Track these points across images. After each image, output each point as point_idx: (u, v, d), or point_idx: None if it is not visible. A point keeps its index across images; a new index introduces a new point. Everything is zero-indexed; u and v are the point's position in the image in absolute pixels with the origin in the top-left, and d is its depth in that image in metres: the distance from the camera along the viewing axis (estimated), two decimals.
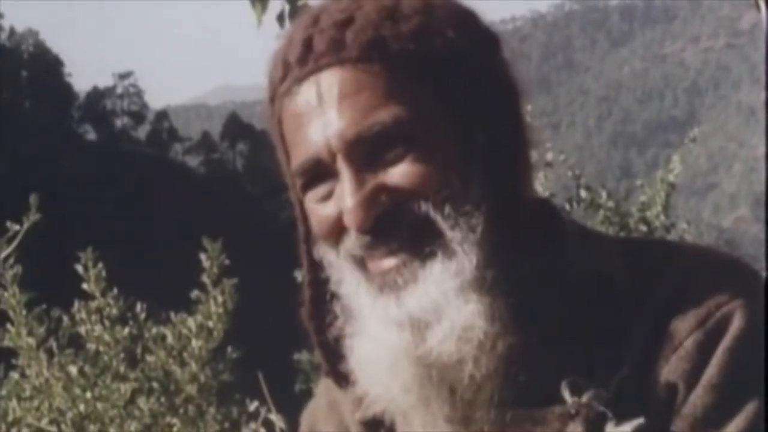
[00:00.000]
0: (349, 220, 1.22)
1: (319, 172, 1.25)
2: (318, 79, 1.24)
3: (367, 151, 1.22)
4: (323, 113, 1.23)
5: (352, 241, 1.25)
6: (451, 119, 1.23)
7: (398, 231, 1.23)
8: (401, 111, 1.21)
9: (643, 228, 5.42)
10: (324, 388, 1.48)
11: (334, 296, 1.31)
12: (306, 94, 1.25)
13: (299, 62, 1.25)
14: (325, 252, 1.30)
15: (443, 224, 1.21)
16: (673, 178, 5.63)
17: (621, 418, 1.20)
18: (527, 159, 1.28)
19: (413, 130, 1.21)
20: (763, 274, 1.29)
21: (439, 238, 1.22)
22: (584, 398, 1.21)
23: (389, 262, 1.23)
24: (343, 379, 1.33)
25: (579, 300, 1.25)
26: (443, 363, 1.22)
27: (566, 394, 1.21)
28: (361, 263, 1.26)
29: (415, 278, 1.22)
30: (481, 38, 1.28)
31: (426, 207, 1.22)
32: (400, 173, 1.22)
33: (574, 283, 1.26)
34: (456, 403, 1.24)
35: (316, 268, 1.32)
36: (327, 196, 1.26)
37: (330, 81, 1.23)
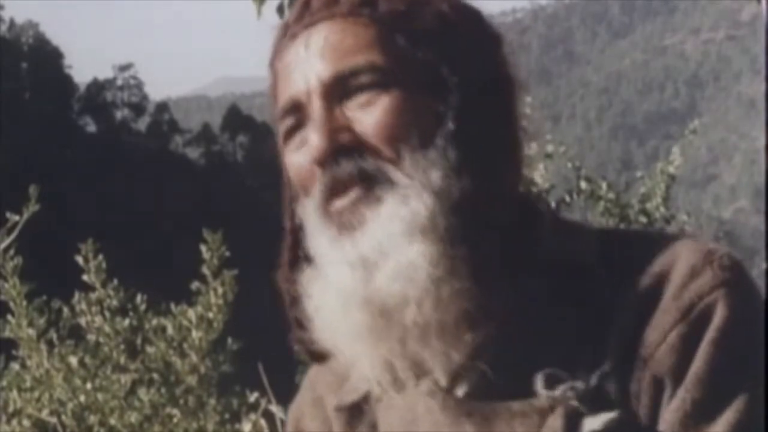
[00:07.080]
0: (312, 153, 1.24)
1: (298, 117, 1.28)
2: (309, 32, 1.28)
3: (339, 91, 1.25)
4: (308, 59, 1.27)
5: (316, 186, 1.26)
6: (428, 79, 1.25)
7: (356, 171, 1.24)
8: (379, 58, 1.24)
9: (643, 219, 5.42)
10: (309, 383, 1.46)
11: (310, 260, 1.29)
12: (297, 46, 1.29)
13: (296, 20, 1.30)
14: (303, 207, 1.30)
15: (398, 174, 1.22)
16: (673, 169, 5.64)
17: (601, 413, 1.18)
18: (505, 134, 1.28)
19: (387, 77, 1.24)
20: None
21: (393, 185, 1.23)
22: (557, 392, 1.19)
23: (343, 201, 1.24)
24: (308, 343, 1.31)
25: (553, 290, 1.24)
26: (389, 307, 1.21)
27: (540, 387, 1.20)
28: (325, 211, 1.26)
29: (365, 219, 1.23)
30: (475, 23, 1.30)
31: (385, 154, 1.23)
32: (366, 118, 1.24)
33: (547, 272, 1.25)
34: (406, 354, 1.23)
35: (297, 230, 1.32)
36: (303, 143, 1.28)
37: (320, 33, 1.27)
